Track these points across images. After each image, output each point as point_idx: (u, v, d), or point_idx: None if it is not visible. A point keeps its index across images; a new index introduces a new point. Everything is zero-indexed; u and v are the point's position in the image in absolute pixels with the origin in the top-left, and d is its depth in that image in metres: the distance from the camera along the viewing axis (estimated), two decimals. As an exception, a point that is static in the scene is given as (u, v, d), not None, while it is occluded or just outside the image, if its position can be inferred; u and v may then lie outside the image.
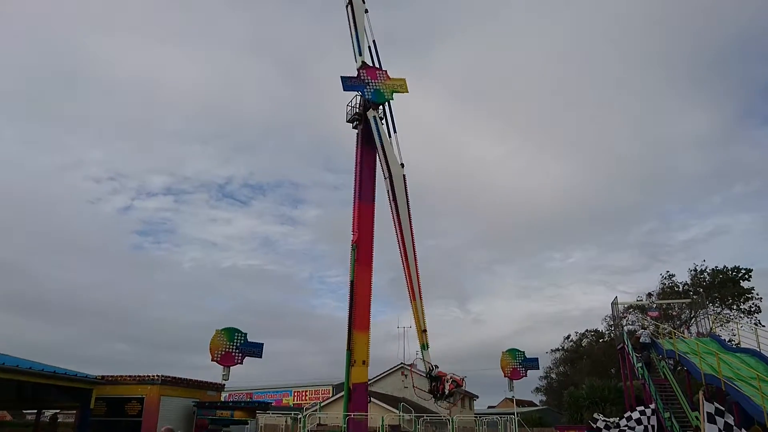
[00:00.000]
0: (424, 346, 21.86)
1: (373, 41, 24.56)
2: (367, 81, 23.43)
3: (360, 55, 24.12)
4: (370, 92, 23.37)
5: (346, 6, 24.65)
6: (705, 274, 44.16)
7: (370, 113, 23.38)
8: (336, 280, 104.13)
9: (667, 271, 47.42)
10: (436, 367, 21.51)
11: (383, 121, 23.68)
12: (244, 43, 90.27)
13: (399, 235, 22.70)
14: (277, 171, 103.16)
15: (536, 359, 23.57)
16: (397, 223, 22.84)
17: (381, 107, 23.73)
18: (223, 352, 18.67)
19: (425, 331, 22.07)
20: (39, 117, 77.85)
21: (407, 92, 24.05)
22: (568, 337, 56.73)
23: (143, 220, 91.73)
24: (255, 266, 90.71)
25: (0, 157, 69.29)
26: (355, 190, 23.42)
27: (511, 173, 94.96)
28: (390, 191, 23.02)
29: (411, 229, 22.73)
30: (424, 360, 22.04)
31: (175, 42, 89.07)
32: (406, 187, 23.15)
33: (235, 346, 18.91)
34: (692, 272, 44.96)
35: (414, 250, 22.56)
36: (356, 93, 23.56)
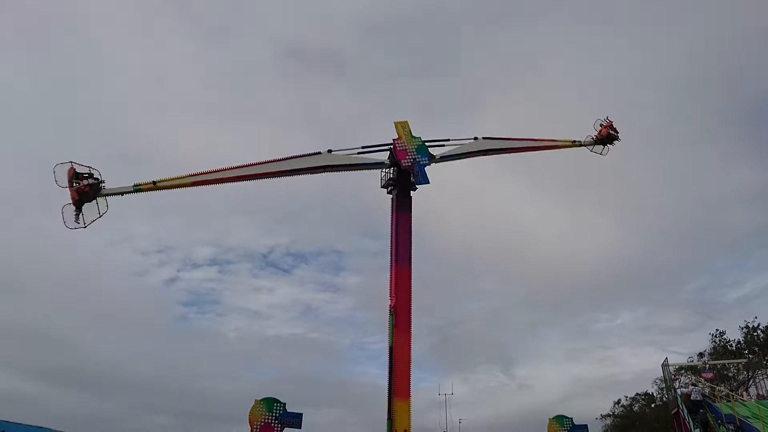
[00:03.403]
0: (579, 142, 27.95)
1: (362, 147, 24.19)
2: (412, 160, 23.68)
3: (380, 165, 24.44)
4: (423, 161, 23.80)
5: (321, 170, 23.81)
6: (758, 331, 42.17)
7: (435, 161, 24.50)
8: (377, 347, 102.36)
9: (717, 329, 45.45)
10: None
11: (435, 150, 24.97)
12: (285, 115, 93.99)
13: (528, 149, 27.32)
14: (319, 239, 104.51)
15: (585, 426, 22.57)
16: (523, 149, 27.24)
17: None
18: (262, 423, 18.53)
19: (575, 141, 27.90)
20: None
21: (407, 122, 24.55)
22: (618, 401, 54.23)
23: (188, 291, 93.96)
24: (297, 334, 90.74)
25: (58, 237, 73.02)
26: (391, 253, 23.46)
27: (554, 232, 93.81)
28: (504, 150, 26.89)
29: (523, 139, 27.13)
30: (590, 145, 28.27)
31: (220, 115, 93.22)
32: (498, 137, 26.57)
33: (274, 416, 18.77)
34: (744, 330, 43.01)
35: (531, 139, 27.38)
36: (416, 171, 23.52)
